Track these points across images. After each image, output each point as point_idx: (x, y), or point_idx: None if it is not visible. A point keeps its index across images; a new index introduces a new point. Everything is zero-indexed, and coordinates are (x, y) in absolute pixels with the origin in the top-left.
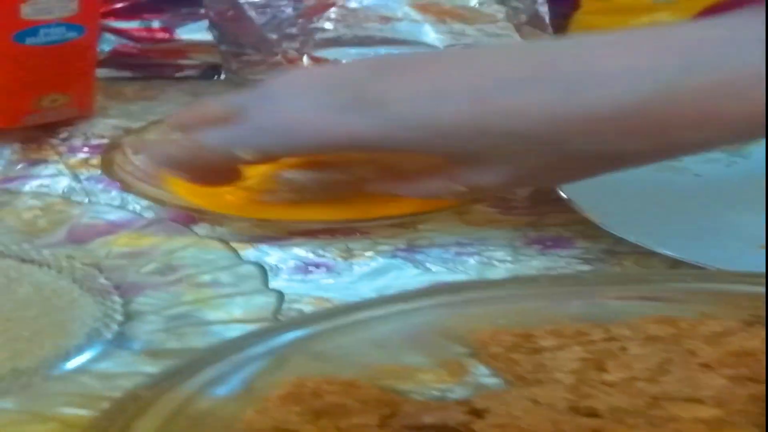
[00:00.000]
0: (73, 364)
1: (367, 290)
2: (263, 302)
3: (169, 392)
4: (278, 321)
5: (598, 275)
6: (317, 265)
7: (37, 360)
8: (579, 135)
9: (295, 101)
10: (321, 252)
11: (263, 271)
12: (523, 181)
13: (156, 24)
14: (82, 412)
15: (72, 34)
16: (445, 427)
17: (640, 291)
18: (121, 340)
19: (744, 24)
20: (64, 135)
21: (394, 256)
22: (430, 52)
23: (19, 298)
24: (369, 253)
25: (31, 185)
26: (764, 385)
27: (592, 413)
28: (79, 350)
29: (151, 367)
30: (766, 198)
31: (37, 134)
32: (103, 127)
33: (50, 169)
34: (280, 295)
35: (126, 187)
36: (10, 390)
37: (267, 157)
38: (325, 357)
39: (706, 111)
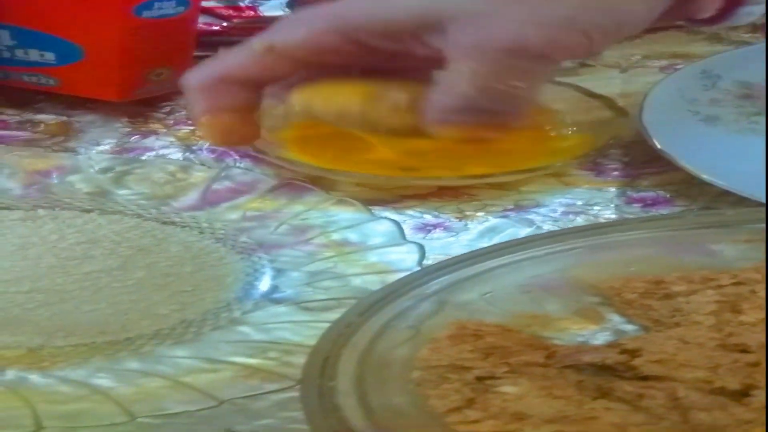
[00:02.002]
0: (234, 315)
1: None
2: (404, 254)
3: (369, 321)
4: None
5: (713, 215)
6: (435, 226)
7: (202, 312)
8: None
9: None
10: (436, 213)
11: (398, 225)
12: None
13: (243, 2)
14: (250, 360)
15: (180, 8)
16: (603, 367)
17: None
18: (273, 294)
19: None
20: (166, 109)
21: (504, 216)
22: None
23: (172, 256)
24: (480, 214)
25: (147, 156)
26: None
27: (744, 350)
28: (238, 303)
29: (305, 317)
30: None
31: (141, 109)
32: None
33: (162, 141)
34: (421, 247)
35: (256, 150)
36: (181, 340)
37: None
38: (477, 302)
39: None
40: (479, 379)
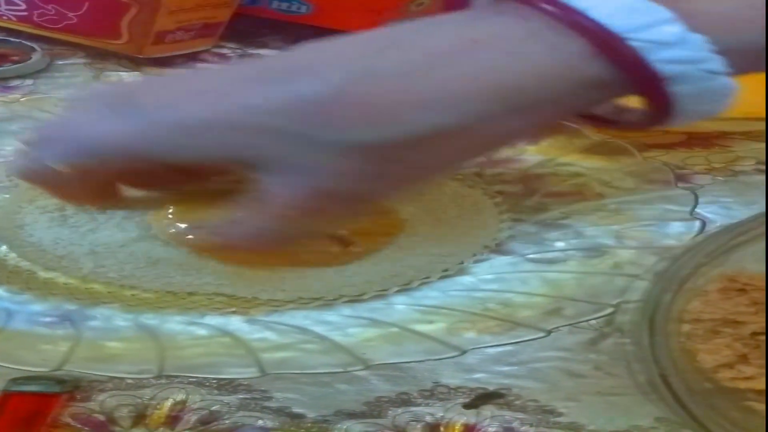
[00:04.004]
0: (461, 265)
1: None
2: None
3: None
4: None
5: None
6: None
7: (428, 261)
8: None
9: (80, 114)
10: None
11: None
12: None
13: None
14: (471, 311)
15: None
16: None
17: None
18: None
19: None
20: None
21: (759, 171)
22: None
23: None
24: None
25: None
26: None
27: None
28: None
29: (531, 268)
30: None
31: None
32: None
33: None
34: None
35: None
36: (405, 289)
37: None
38: (746, 258)
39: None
40: (754, 334)
